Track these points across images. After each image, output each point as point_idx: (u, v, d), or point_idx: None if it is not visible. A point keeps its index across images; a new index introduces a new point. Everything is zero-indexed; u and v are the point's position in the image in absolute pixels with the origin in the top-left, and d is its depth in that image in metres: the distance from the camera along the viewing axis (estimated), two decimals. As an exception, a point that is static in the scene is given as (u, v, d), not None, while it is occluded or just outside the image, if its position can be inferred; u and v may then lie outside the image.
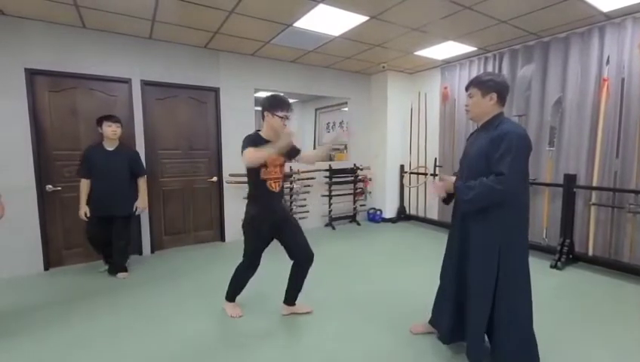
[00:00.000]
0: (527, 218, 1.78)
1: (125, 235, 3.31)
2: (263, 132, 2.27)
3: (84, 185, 3.11)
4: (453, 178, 1.90)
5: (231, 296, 2.53)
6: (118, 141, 3.23)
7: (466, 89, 1.88)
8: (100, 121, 3.14)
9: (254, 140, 2.17)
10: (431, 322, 2.20)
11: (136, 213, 3.34)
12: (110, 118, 3.16)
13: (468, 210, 1.79)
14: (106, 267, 3.34)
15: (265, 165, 2.18)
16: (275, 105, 2.19)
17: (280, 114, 2.18)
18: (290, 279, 2.45)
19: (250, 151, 2.03)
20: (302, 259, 2.38)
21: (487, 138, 1.74)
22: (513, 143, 1.62)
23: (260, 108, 2.34)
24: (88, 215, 3.10)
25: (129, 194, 3.27)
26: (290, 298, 2.49)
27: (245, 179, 4.35)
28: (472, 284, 1.82)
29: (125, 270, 3.31)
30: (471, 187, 1.71)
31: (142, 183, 3.36)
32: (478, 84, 1.80)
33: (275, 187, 2.29)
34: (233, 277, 2.48)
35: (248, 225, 2.33)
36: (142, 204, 3.35)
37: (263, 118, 2.24)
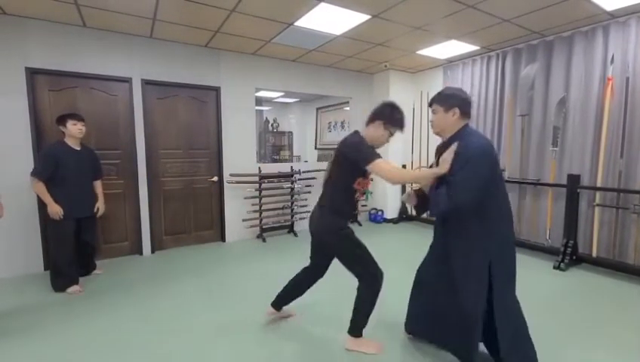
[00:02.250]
0: (505, 224, 1.76)
1: (96, 234, 3.32)
2: (366, 136, 2.02)
3: (42, 186, 2.81)
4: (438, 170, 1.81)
5: (360, 329, 2.07)
6: (80, 141, 3.06)
7: (429, 105, 1.90)
8: (62, 120, 2.94)
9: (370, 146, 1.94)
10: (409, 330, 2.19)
11: (98, 214, 3.20)
12: (75, 116, 2.99)
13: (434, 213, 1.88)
14: (76, 288, 2.98)
15: (365, 174, 2.00)
16: (395, 121, 2.00)
17: (393, 131, 2.02)
18: (295, 285, 2.30)
19: (400, 169, 1.88)
20: (321, 272, 2.26)
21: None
22: (468, 156, 1.65)
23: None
24: (62, 213, 2.86)
25: (95, 194, 3.21)
26: (283, 303, 2.37)
27: (246, 179, 4.42)
28: (460, 289, 1.80)
29: (96, 266, 3.38)
30: (436, 195, 1.77)
31: (100, 185, 3.24)
32: (440, 101, 1.82)
33: (360, 198, 2.14)
34: (362, 305, 2.03)
35: (346, 237, 2.02)
36: (102, 205, 3.22)
37: (372, 123, 2.02)
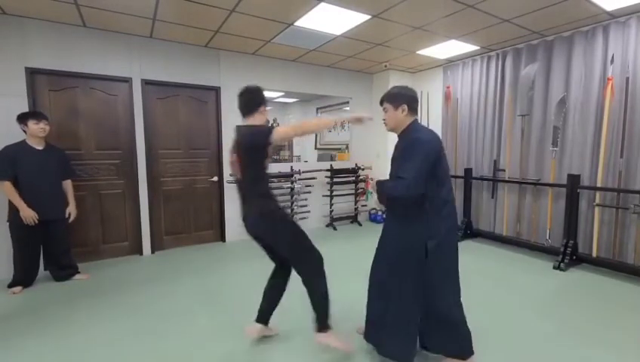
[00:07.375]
0: (451, 217, 1.82)
1: (66, 240, 3.14)
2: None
3: (8, 186, 2.76)
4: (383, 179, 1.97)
5: (325, 320, 2.00)
6: (44, 140, 2.99)
7: (380, 104, 1.99)
8: (23, 118, 2.87)
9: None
10: (366, 337, 2.09)
11: (70, 219, 3.12)
12: (37, 114, 2.92)
13: (381, 202, 1.99)
14: (19, 288, 2.94)
15: (268, 155, 2.06)
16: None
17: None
18: (271, 291, 2.19)
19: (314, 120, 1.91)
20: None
21: (401, 146, 1.87)
22: (414, 149, 1.74)
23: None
24: (37, 217, 2.82)
25: (63, 196, 3.10)
26: (268, 316, 2.18)
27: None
28: (401, 286, 1.86)
29: (79, 271, 3.23)
30: (381, 184, 1.88)
31: (70, 186, 3.14)
32: (390, 99, 1.91)
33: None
34: (318, 293, 2.03)
35: (285, 218, 2.20)
36: (73, 209, 3.15)
37: (256, 111, 2.20)
